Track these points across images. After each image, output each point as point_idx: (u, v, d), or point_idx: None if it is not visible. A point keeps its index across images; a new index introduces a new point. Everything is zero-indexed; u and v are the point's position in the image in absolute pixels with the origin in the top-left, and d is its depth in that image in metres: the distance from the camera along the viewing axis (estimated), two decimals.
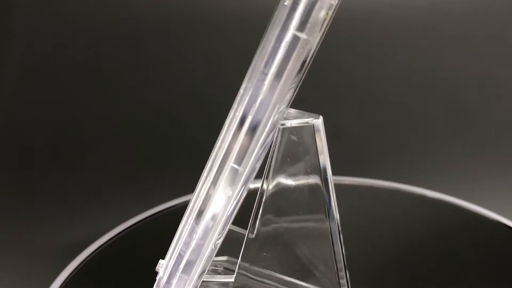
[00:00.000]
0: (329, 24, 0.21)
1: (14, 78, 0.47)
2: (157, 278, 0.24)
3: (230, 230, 0.25)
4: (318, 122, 0.25)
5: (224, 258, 0.27)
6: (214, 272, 0.27)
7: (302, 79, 0.22)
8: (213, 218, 0.23)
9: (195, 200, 0.23)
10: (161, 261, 0.25)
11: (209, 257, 0.24)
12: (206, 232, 0.23)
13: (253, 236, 0.26)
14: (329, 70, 0.42)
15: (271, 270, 0.26)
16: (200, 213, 0.23)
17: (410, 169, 0.42)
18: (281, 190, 0.25)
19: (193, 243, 0.23)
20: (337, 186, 0.26)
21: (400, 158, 0.43)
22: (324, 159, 0.25)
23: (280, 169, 0.25)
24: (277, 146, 0.25)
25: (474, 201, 0.35)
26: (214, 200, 0.23)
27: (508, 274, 0.32)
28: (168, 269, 0.24)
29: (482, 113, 0.44)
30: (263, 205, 0.25)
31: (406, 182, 0.35)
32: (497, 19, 0.44)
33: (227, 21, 0.45)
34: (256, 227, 0.26)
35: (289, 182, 0.25)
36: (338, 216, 0.25)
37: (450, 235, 0.34)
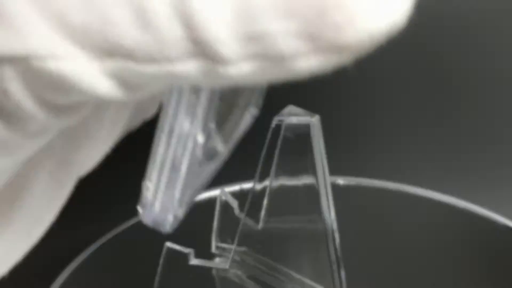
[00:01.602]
0: None
1: None
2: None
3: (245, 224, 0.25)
4: (315, 121, 0.24)
5: (242, 249, 0.27)
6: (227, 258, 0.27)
7: None
8: None
9: None
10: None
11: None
12: None
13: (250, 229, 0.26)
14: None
15: (267, 259, 0.26)
16: None
17: (410, 169, 0.42)
18: (276, 189, 0.25)
19: None
20: (334, 186, 0.26)
21: (400, 157, 0.43)
22: (321, 158, 0.25)
23: (275, 168, 0.25)
24: (272, 145, 0.24)
25: (474, 201, 0.35)
26: None
27: (509, 275, 0.32)
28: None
29: (484, 112, 0.44)
30: (257, 203, 0.25)
31: (406, 182, 0.35)
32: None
33: None
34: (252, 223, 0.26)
35: (284, 181, 0.25)
36: (334, 216, 0.25)
37: (451, 236, 0.34)
